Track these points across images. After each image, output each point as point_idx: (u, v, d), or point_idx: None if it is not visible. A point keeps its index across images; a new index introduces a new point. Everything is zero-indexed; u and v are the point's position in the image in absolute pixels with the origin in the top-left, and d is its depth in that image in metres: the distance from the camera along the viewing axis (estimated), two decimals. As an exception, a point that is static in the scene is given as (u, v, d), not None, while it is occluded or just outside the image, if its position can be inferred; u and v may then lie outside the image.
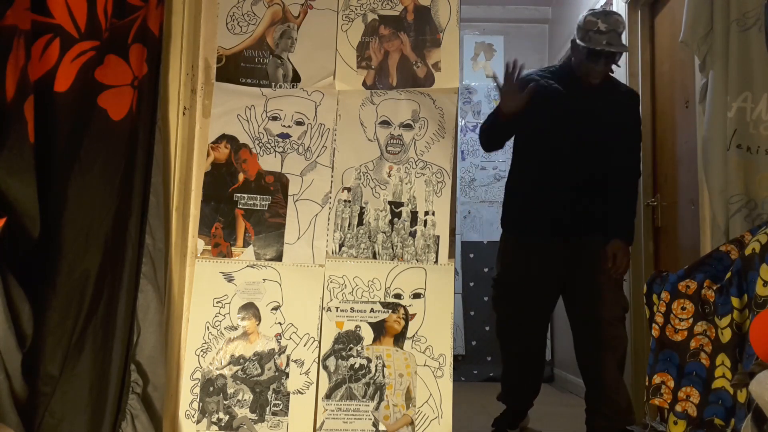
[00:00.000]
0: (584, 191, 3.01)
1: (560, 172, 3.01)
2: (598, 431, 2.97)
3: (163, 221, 2.29)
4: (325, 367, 2.33)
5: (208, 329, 2.35)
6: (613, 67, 3.06)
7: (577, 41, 3.00)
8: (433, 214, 2.42)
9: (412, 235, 2.41)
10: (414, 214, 2.42)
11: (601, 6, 4.17)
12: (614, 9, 3.91)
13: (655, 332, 2.05)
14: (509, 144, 3.26)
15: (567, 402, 4.26)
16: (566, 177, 3.00)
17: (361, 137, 2.48)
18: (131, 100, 2.21)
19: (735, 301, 1.85)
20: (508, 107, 2.93)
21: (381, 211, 2.43)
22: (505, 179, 3.34)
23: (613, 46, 2.92)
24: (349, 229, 2.41)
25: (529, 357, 3.13)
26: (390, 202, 2.43)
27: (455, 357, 2.70)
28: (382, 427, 2.28)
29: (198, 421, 2.29)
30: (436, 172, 2.45)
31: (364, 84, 2.52)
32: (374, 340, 2.35)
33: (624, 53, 3.19)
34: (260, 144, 2.48)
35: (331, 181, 2.45)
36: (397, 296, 2.37)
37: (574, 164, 3.00)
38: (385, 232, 2.41)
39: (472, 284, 5.28)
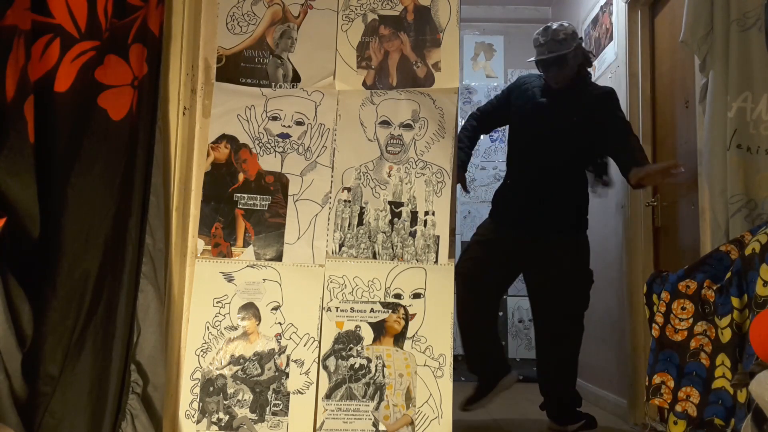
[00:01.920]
0: (554, 189, 3.25)
1: (531, 168, 3.30)
2: (554, 416, 3.28)
3: (163, 221, 2.29)
4: (325, 367, 2.33)
5: (208, 329, 2.35)
6: (600, 70, 3.41)
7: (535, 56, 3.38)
8: (433, 214, 2.42)
9: (412, 235, 2.41)
10: (414, 214, 2.42)
11: (601, 6, 4.18)
12: (614, 9, 3.92)
13: (655, 332, 2.05)
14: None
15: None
16: (537, 173, 3.27)
17: (361, 137, 2.48)
18: (131, 100, 2.21)
19: (735, 301, 1.85)
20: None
21: (381, 211, 2.43)
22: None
23: (552, 52, 3.26)
24: (349, 229, 2.41)
25: (481, 324, 3.30)
26: (390, 202, 2.43)
27: (455, 357, 2.70)
28: (382, 427, 2.28)
29: (198, 421, 2.29)
30: (436, 172, 2.45)
31: (364, 84, 2.52)
32: (374, 340, 2.35)
33: (590, 58, 3.46)
34: (260, 144, 2.48)
35: (331, 181, 2.45)
36: (397, 296, 2.38)
37: (543, 161, 3.26)
38: (385, 232, 2.41)
39: (472, 284, 5.27)
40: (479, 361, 3.32)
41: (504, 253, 3.25)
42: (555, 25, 3.35)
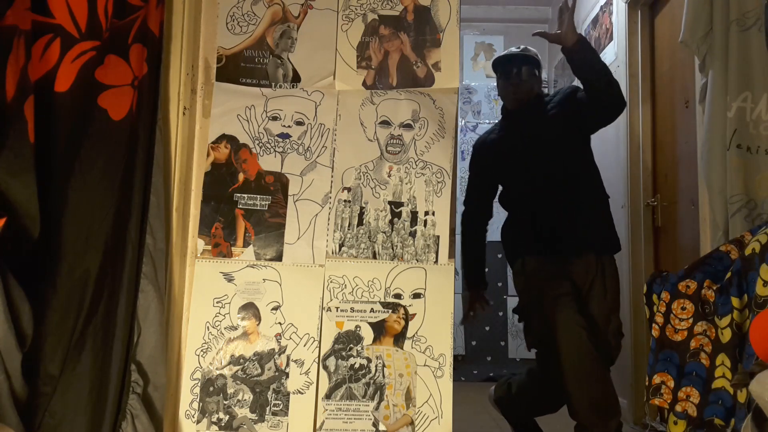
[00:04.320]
0: (565, 210, 2.87)
1: (538, 201, 2.92)
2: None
3: (164, 221, 2.29)
4: (325, 367, 2.33)
5: (208, 329, 2.35)
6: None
7: (496, 75, 3.13)
8: (433, 214, 2.42)
9: (412, 235, 2.41)
10: (414, 214, 2.42)
11: (601, 6, 4.18)
12: (614, 9, 3.92)
13: (655, 332, 2.05)
14: None
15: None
16: (545, 202, 2.90)
17: (361, 137, 2.48)
18: (131, 100, 2.21)
19: (735, 301, 1.85)
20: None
21: (381, 211, 2.43)
22: None
23: (512, 53, 3.08)
24: (349, 229, 2.42)
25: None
26: (390, 202, 2.43)
27: (455, 357, 2.69)
28: (382, 427, 2.28)
29: (198, 421, 2.29)
30: (436, 172, 2.45)
31: (364, 84, 2.52)
32: (374, 340, 2.35)
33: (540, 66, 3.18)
34: (260, 144, 2.48)
35: (331, 181, 2.45)
36: (397, 296, 2.38)
37: (546, 187, 2.90)
38: (385, 232, 2.41)
39: (472, 284, 5.27)
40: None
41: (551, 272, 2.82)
42: (521, 47, 3.15)
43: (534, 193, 2.94)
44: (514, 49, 3.17)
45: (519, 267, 2.96)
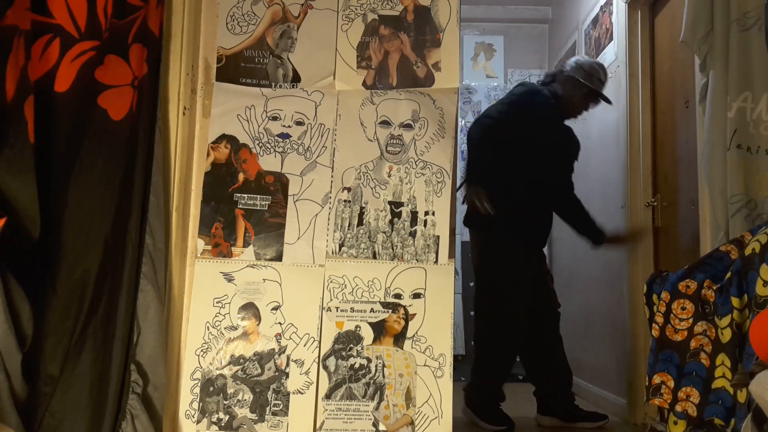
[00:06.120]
0: (547, 208, 3.45)
1: (536, 188, 3.32)
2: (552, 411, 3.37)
3: (163, 221, 2.29)
4: (325, 367, 2.33)
5: (208, 329, 2.35)
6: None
7: (581, 80, 3.44)
8: (433, 214, 2.42)
9: (412, 235, 2.41)
10: (414, 214, 2.42)
11: (601, 6, 4.18)
12: (614, 9, 3.92)
13: (655, 332, 2.05)
14: None
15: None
16: (539, 193, 3.34)
17: (361, 137, 2.48)
18: (131, 100, 2.21)
19: (735, 301, 1.85)
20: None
21: (381, 211, 2.43)
22: None
23: (607, 99, 3.50)
24: (349, 229, 2.42)
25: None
26: (390, 202, 2.43)
27: (455, 357, 2.72)
28: (382, 427, 2.28)
29: (198, 421, 2.29)
30: (436, 172, 2.45)
31: (364, 84, 2.52)
32: (374, 340, 2.35)
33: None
34: (260, 144, 2.48)
35: (331, 181, 2.45)
36: (397, 296, 2.38)
37: (545, 181, 3.35)
38: (385, 232, 2.41)
39: (472, 284, 5.26)
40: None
41: (519, 263, 3.34)
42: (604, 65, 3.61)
43: (538, 187, 3.32)
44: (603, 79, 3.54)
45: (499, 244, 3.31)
